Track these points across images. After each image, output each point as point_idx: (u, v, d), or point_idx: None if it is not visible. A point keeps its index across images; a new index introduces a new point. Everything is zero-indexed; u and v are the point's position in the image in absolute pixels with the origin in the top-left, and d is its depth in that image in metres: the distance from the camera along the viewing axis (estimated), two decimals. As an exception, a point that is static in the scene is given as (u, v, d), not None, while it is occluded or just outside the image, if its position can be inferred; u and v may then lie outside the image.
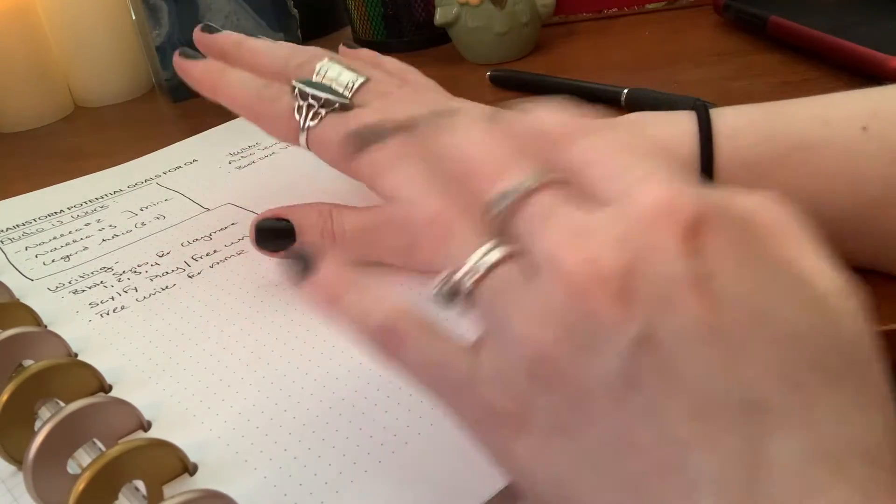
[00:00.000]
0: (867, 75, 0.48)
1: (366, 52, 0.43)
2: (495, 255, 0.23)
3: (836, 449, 0.19)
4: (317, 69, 0.38)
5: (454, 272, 0.23)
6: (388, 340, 0.23)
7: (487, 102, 0.57)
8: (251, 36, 0.42)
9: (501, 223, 0.23)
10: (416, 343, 0.23)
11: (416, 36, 0.71)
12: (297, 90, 0.37)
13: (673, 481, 0.19)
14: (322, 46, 0.40)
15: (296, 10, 0.69)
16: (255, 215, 0.37)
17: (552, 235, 0.22)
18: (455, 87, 0.62)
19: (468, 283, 0.22)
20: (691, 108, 0.33)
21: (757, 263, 0.21)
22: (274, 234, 0.36)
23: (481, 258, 0.23)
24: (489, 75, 0.60)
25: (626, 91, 0.51)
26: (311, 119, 0.36)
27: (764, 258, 0.21)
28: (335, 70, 0.38)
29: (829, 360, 0.20)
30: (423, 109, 0.37)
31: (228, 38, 0.42)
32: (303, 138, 0.37)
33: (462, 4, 0.62)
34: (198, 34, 0.42)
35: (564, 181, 0.23)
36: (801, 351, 0.20)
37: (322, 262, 0.25)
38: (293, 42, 0.69)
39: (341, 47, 0.44)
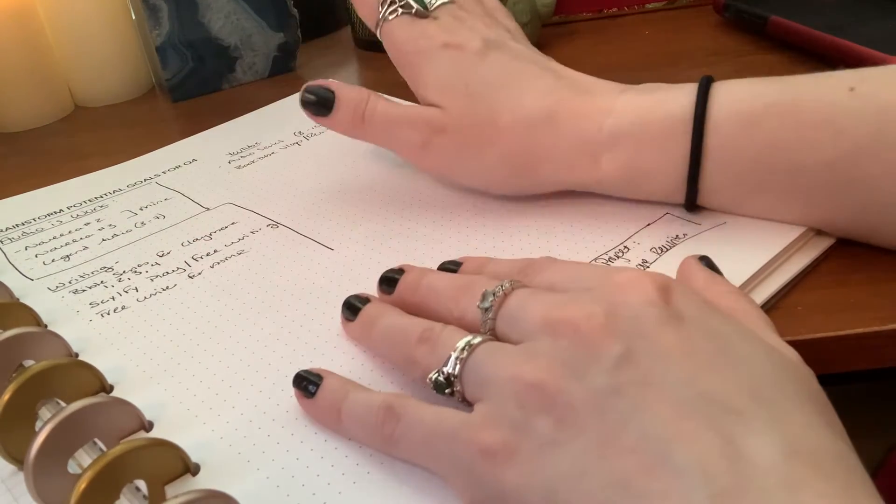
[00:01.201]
0: (867, 75, 0.49)
1: None
2: (477, 339, 0.27)
3: (810, 451, 0.21)
4: None
5: (445, 363, 0.27)
6: (388, 416, 0.26)
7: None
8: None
9: (485, 322, 0.28)
10: (412, 411, 0.26)
11: (415, 36, 0.71)
12: None
13: (660, 474, 0.21)
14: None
15: (296, 10, 0.69)
16: (306, 84, 0.42)
17: (539, 307, 0.26)
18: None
19: (456, 365, 0.27)
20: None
21: (718, 318, 0.25)
22: (317, 97, 0.41)
23: (465, 345, 0.27)
24: (489, 75, 0.60)
25: (626, 91, 0.51)
26: (391, 14, 0.42)
27: (722, 316, 0.26)
28: None
29: (786, 387, 0.23)
30: (487, 33, 0.41)
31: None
32: (379, 30, 0.43)
33: (462, 4, 0.62)
34: None
35: (530, 285, 0.29)
36: (761, 376, 0.23)
37: (321, 386, 0.29)
38: (293, 42, 0.69)
39: None
